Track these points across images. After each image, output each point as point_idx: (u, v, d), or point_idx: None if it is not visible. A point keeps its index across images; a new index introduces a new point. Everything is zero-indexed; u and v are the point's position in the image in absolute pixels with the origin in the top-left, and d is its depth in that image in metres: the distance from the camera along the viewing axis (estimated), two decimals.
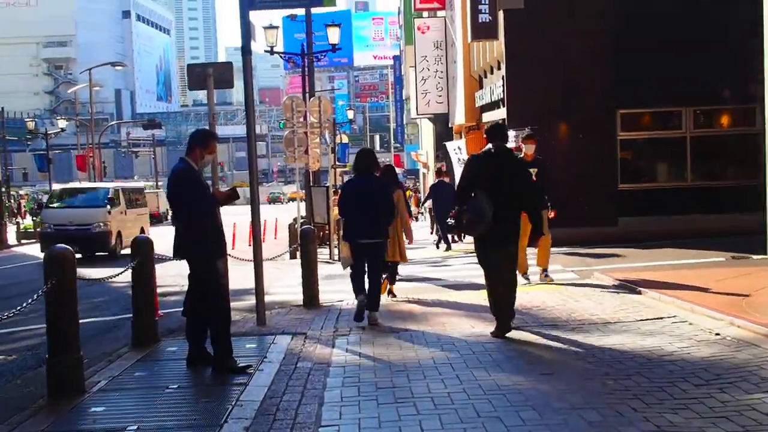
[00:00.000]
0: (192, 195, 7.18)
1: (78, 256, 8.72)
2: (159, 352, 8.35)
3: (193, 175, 7.31)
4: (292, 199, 26.10)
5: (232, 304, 12.90)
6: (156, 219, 55.89)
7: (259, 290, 9.89)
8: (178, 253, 7.39)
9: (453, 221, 9.89)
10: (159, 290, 15.22)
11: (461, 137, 29.18)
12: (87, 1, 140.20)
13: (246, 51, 9.57)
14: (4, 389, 7.82)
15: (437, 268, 17.05)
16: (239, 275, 13.27)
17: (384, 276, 10.78)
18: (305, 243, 11.52)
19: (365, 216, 9.33)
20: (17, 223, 40.86)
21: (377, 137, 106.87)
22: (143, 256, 8.56)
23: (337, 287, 14.31)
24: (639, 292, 10.73)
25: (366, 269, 9.62)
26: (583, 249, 17.50)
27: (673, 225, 19.09)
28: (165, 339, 8.98)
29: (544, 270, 12.76)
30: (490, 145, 8.47)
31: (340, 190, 11.99)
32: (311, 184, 25.20)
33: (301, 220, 23.28)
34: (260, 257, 9.87)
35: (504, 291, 8.33)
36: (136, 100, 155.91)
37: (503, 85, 21.03)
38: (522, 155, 11.59)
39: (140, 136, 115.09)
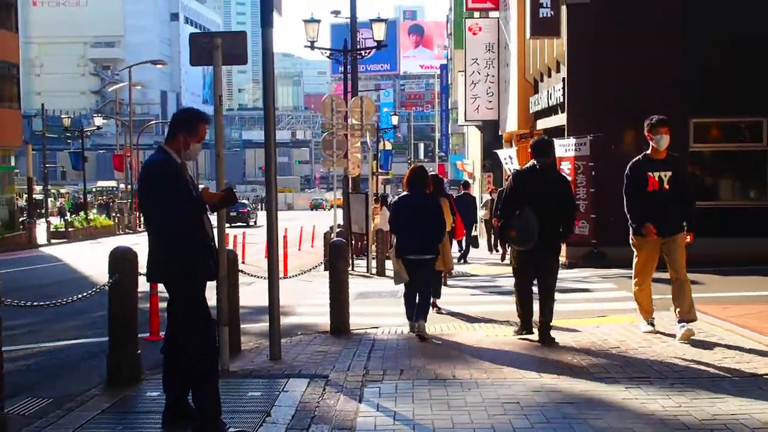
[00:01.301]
0: (170, 196, 5.36)
1: None
2: (135, 398, 6.54)
3: (173, 169, 5.49)
4: (337, 206, 24.48)
5: (248, 326, 11.27)
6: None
7: (273, 317, 8.10)
8: (154, 274, 5.60)
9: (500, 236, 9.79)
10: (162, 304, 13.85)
11: (511, 146, 27.27)
12: (135, 2, 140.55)
13: (266, 23, 7.87)
14: None
15: (477, 291, 15.20)
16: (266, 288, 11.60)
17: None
18: (334, 258, 9.73)
19: (417, 233, 9.45)
20: (48, 222, 39.73)
21: (421, 146, 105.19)
22: (124, 272, 6.79)
23: (371, 308, 12.54)
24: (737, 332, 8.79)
25: (417, 286, 9.67)
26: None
27: (749, 248, 17.01)
28: (152, 376, 7.18)
29: (684, 320, 8.75)
30: (534, 161, 8.76)
31: (391, 205, 11.82)
32: (350, 190, 23.44)
33: (338, 230, 21.52)
34: (276, 276, 8.10)
35: (544, 297, 8.75)
36: (182, 102, 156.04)
37: (563, 88, 19.10)
38: (648, 152, 8.96)
39: None
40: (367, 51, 24.26)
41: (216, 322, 5.75)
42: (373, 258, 19.89)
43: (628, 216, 9.22)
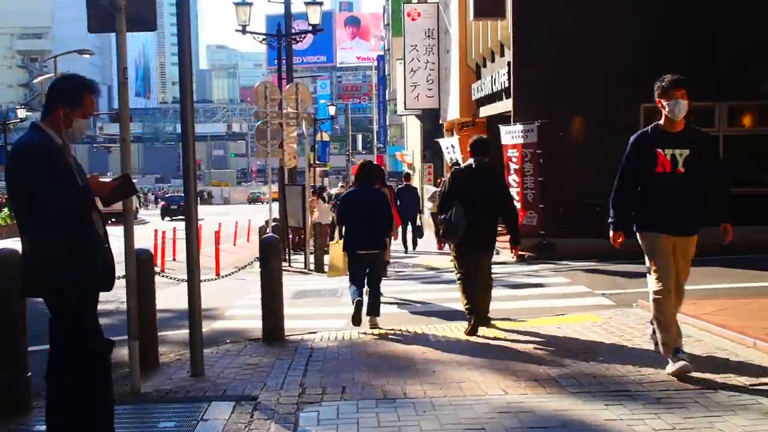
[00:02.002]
0: (48, 185, 4.24)
1: None
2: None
3: (50, 151, 4.37)
4: (275, 200, 23.52)
5: (172, 332, 10.12)
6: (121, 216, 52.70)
7: (194, 327, 7.00)
8: (30, 283, 4.45)
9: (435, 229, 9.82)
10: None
11: (453, 134, 26.43)
12: None
13: None
14: None
15: (417, 284, 14.24)
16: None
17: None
18: (266, 257, 8.66)
19: (365, 227, 9.50)
20: None
21: (359, 137, 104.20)
22: (7, 277, 5.60)
23: (309, 309, 11.50)
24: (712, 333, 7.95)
25: (365, 279, 9.69)
26: (606, 264, 14.73)
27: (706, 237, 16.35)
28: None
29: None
30: (471, 160, 8.89)
31: (338, 200, 11.96)
32: (286, 182, 22.31)
33: (273, 224, 20.41)
34: (196, 282, 6.98)
35: (482, 294, 8.83)
36: (113, 95, 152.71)
37: (508, 73, 18.25)
38: (660, 122, 6.77)
39: (116, 132, 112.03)
40: (302, 37, 23.11)
41: (110, 343, 4.64)
42: (311, 253, 18.84)
43: (611, 206, 7.28)
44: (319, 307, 11.73)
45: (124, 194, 4.72)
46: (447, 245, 9.23)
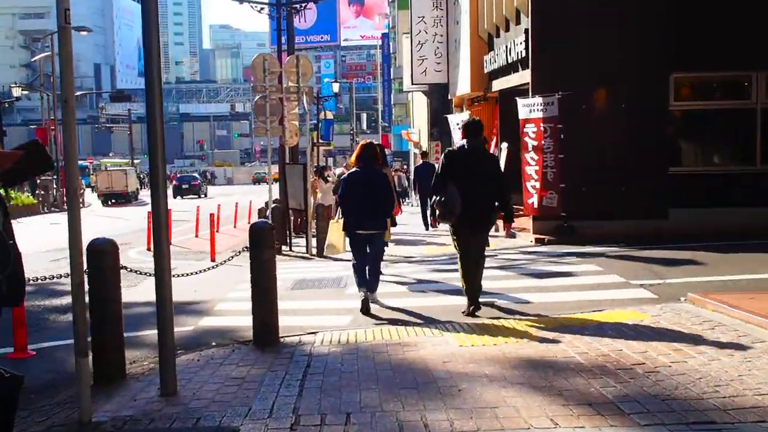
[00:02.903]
0: None
1: None
2: None
3: None
4: (275, 180, 22.47)
5: (150, 332, 8.90)
6: (123, 198, 51.83)
7: (164, 337, 5.71)
8: None
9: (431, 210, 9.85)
10: (51, 301, 11.71)
11: (462, 110, 25.05)
12: None
13: None
14: None
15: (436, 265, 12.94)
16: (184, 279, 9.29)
17: None
18: (257, 246, 7.36)
19: (367, 207, 9.46)
20: None
21: (364, 116, 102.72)
22: None
23: (309, 302, 10.21)
24: None
25: (366, 259, 9.62)
26: (636, 250, 13.43)
27: (738, 219, 15.04)
28: None
29: None
30: (464, 141, 8.99)
31: (340, 180, 11.71)
32: (287, 162, 21.02)
33: (273, 205, 19.10)
34: (166, 286, 5.70)
35: (473, 271, 8.86)
36: (116, 75, 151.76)
37: (525, 41, 16.84)
38: None
39: (118, 112, 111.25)
40: (304, 6, 21.74)
41: (15, 380, 3.37)
42: (314, 236, 17.55)
43: None
44: (321, 299, 10.44)
45: (37, 168, 3.43)
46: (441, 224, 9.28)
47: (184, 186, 57.69)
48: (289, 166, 18.96)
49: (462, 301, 8.96)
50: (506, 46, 18.76)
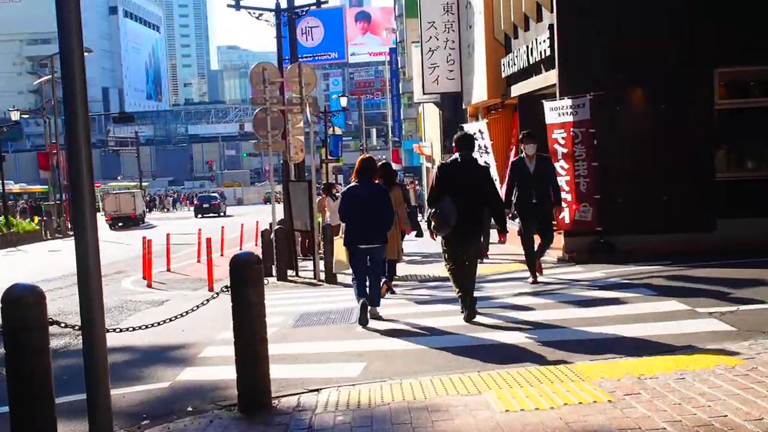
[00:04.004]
0: None
1: None
2: None
3: None
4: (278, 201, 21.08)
5: (128, 390, 7.27)
6: (132, 221, 50.68)
7: (98, 408, 4.08)
8: None
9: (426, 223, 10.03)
10: None
11: (478, 119, 23.45)
12: None
13: None
14: None
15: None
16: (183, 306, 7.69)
17: (383, 279, 11.17)
18: (241, 285, 5.75)
19: (367, 222, 9.56)
20: None
21: (374, 131, 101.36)
22: None
23: (313, 345, 8.56)
24: None
25: (367, 273, 9.73)
26: (686, 268, 11.76)
27: None
28: None
29: None
30: (457, 154, 9.28)
31: (340, 195, 11.78)
32: (291, 179, 19.45)
33: (277, 227, 17.52)
34: (99, 360, 4.08)
35: (468, 280, 9.10)
36: (125, 98, 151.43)
37: (550, 38, 15.25)
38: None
39: (126, 135, 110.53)
40: (304, 10, 20.19)
41: None
42: (321, 258, 15.95)
43: None
44: (327, 339, 8.80)
45: None
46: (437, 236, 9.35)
47: (204, 205, 61.74)
48: (293, 184, 17.38)
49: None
50: (527, 47, 17.16)
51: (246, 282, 5.69)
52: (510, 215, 11.80)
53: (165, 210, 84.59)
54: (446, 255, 9.29)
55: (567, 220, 14.10)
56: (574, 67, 14.37)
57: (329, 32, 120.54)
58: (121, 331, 6.12)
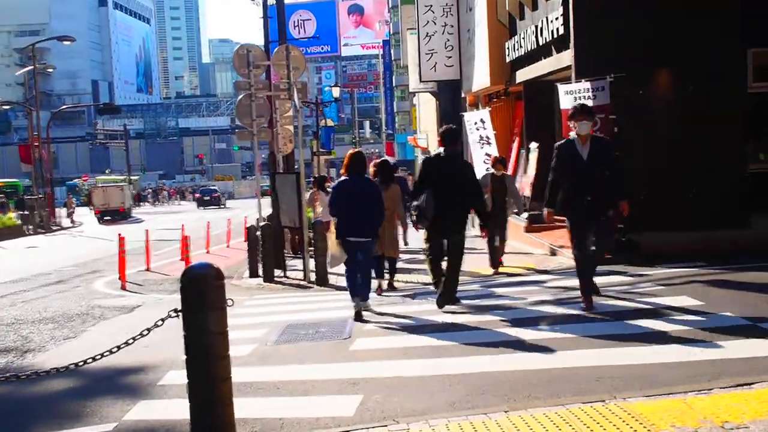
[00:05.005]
0: None
1: None
2: None
3: None
4: (264, 195, 19.68)
5: None
6: (120, 215, 49.19)
7: None
8: None
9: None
10: None
11: (478, 109, 22.02)
12: None
13: None
14: None
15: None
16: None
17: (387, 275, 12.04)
18: (195, 311, 4.29)
19: (356, 216, 9.60)
20: None
21: (367, 123, 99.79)
22: None
23: (296, 369, 7.09)
24: None
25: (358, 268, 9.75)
26: (725, 271, 10.33)
27: None
28: None
29: None
30: (441, 149, 9.38)
31: (331, 190, 11.33)
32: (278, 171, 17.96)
33: (263, 223, 16.06)
34: None
35: (449, 274, 9.27)
36: (115, 91, 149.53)
37: (564, 15, 13.80)
38: None
39: (116, 128, 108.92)
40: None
41: None
42: (311, 256, 14.50)
43: None
44: (316, 362, 7.31)
45: None
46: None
47: (206, 198, 64.50)
48: (281, 176, 15.89)
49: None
50: (536, 27, 15.71)
51: (202, 304, 4.24)
52: (547, 212, 9.10)
53: (158, 203, 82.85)
54: (426, 245, 9.67)
55: None
56: (592, 46, 12.93)
57: (322, 25, 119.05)
58: (18, 378, 4.68)
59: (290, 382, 6.54)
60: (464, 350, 7.12)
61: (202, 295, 4.27)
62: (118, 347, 4.66)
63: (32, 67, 49.94)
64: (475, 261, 13.45)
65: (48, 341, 9.56)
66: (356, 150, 10.45)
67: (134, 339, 4.72)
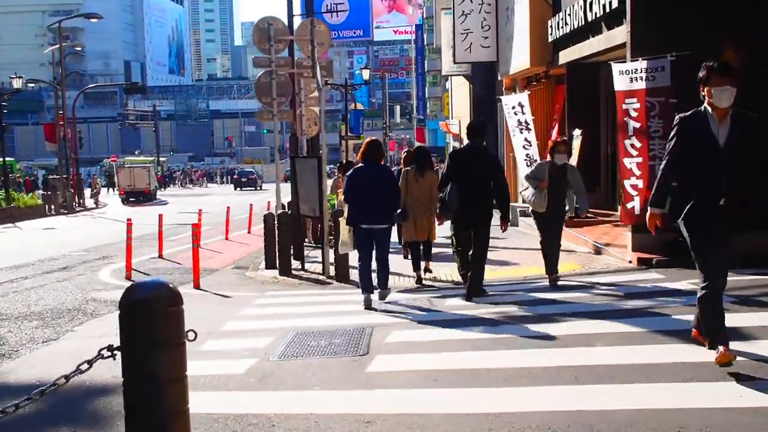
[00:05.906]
0: None
1: None
2: None
3: None
4: (285, 180, 18.54)
5: None
6: (146, 197, 48.30)
7: None
8: None
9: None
10: None
11: (515, 92, 20.61)
12: None
13: None
14: None
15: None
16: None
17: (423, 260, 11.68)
18: (138, 345, 3.03)
19: (371, 203, 9.53)
20: None
21: (397, 108, 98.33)
22: None
23: (301, 395, 5.73)
24: None
25: (373, 256, 9.68)
26: None
27: None
28: None
29: None
30: (469, 142, 9.59)
31: (346, 177, 10.69)
32: (299, 155, 16.69)
33: (281, 210, 14.81)
34: None
35: (475, 265, 9.36)
36: (147, 72, 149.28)
37: None
38: None
39: (147, 108, 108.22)
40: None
41: None
42: (331, 247, 13.23)
43: None
44: (325, 387, 5.99)
45: None
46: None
47: (243, 179, 67.16)
48: (300, 160, 14.61)
49: None
50: (584, 1, 14.27)
51: (151, 342, 2.96)
52: (651, 214, 6.50)
53: (187, 185, 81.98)
54: (454, 237, 10.18)
55: (637, 211, 11.24)
56: (651, 21, 11.49)
57: (355, 9, 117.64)
58: None
59: (290, 416, 5.24)
60: (508, 376, 5.81)
61: (150, 328, 2.98)
62: (42, 392, 3.38)
63: (58, 45, 49.06)
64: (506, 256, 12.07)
65: (24, 343, 8.37)
66: (373, 138, 10.68)
67: (67, 379, 3.44)
